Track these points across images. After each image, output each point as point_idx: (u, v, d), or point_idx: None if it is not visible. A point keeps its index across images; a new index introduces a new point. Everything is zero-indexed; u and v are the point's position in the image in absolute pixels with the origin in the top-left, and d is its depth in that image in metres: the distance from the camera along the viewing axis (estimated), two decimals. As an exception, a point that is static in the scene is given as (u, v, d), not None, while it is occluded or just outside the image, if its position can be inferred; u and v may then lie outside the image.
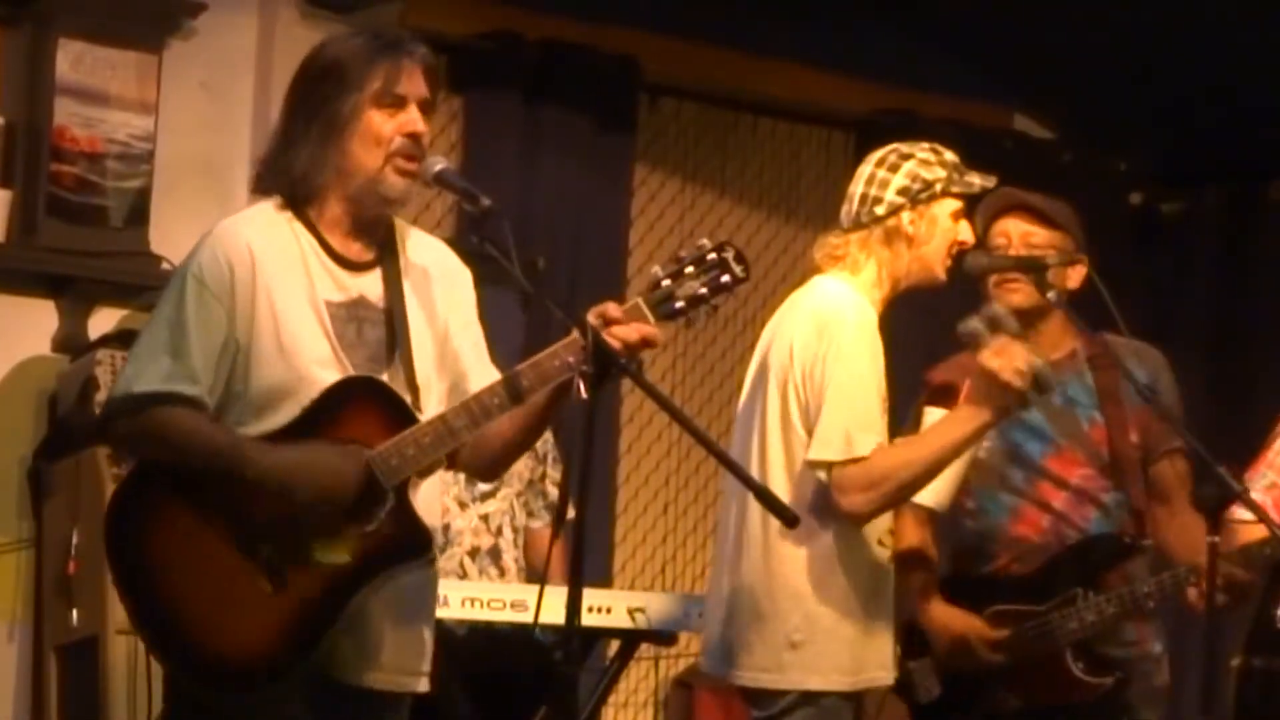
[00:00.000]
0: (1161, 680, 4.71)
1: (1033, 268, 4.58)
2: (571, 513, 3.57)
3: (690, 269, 3.61)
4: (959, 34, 7.36)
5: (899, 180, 4.40)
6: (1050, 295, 4.53)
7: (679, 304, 3.60)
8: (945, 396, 4.60)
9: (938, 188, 4.40)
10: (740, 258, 3.63)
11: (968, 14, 7.18)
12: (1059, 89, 7.66)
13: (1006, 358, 4.22)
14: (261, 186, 3.74)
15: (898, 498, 4.33)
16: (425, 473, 3.67)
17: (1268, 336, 7.73)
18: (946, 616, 4.59)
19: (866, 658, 4.36)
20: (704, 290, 3.60)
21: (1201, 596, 4.41)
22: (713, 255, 3.62)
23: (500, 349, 5.43)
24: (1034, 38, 7.22)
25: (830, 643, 4.31)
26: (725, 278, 3.61)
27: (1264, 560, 4.49)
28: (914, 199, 4.39)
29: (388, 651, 3.67)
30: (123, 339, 5.82)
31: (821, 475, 4.28)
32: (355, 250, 3.71)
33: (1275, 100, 7.00)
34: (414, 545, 3.65)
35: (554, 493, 5.71)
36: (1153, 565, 4.65)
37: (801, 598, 4.31)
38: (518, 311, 5.73)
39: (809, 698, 4.30)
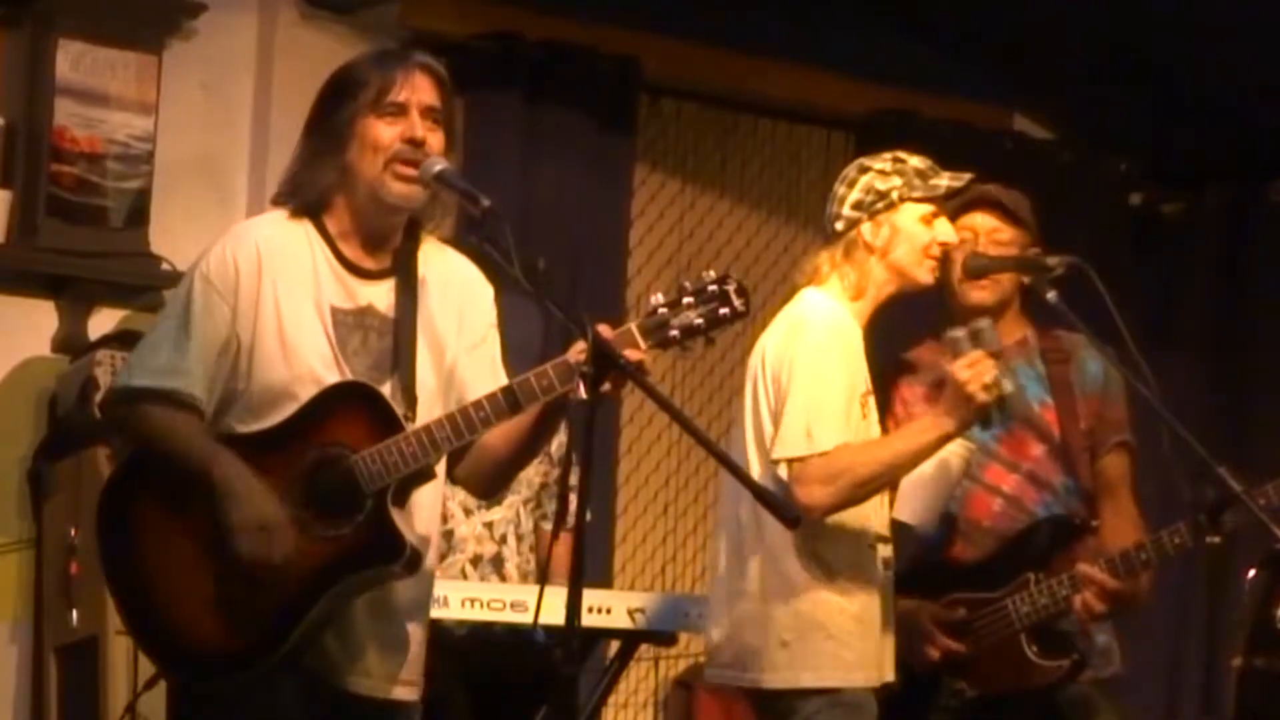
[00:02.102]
0: (1111, 671, 4.72)
1: (1034, 268, 4.61)
2: (574, 513, 3.58)
3: (689, 299, 3.62)
4: (959, 34, 7.35)
5: (854, 195, 4.49)
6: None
7: (673, 332, 3.61)
8: (905, 370, 4.73)
9: (894, 196, 4.47)
10: (742, 291, 3.63)
11: (968, 14, 7.18)
12: (1059, 89, 7.65)
13: (976, 372, 4.28)
14: (279, 201, 3.79)
15: (855, 494, 4.35)
16: (418, 482, 3.68)
17: (1268, 337, 7.73)
18: (905, 609, 4.59)
19: (865, 656, 4.38)
20: (700, 321, 3.61)
21: (1084, 606, 4.52)
22: (714, 287, 3.62)
23: (518, 354, 5.47)
24: (1034, 38, 7.21)
25: (829, 641, 4.33)
26: (724, 310, 3.61)
27: (1140, 565, 4.50)
28: (869, 211, 4.46)
29: (376, 658, 3.69)
30: (123, 339, 5.82)
31: (782, 473, 4.30)
32: (369, 260, 3.74)
33: (1275, 101, 7.00)
34: (385, 551, 3.65)
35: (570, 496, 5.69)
36: (1100, 549, 4.66)
37: (789, 596, 4.34)
38: (538, 317, 5.72)
39: (815, 696, 4.31)
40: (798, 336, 4.38)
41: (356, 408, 3.64)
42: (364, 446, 3.61)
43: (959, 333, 4.43)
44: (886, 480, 4.38)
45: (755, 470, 4.37)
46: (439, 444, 3.62)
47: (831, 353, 4.37)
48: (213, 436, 3.67)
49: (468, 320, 3.81)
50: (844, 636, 4.35)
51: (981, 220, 4.69)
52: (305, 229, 3.72)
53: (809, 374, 4.33)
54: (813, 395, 4.32)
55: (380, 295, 3.73)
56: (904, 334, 4.84)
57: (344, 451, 3.61)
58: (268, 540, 3.58)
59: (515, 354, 5.36)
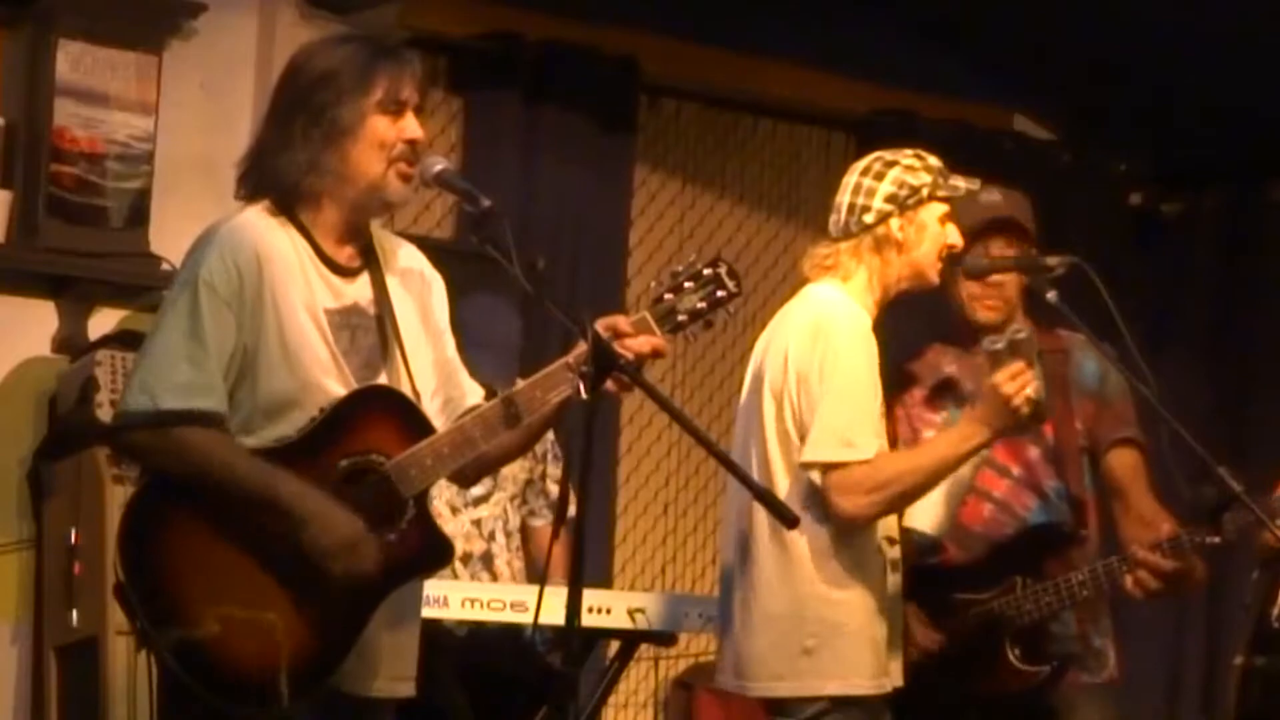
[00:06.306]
0: (1106, 675, 4.68)
1: (1033, 269, 4.60)
2: (573, 510, 3.58)
3: (689, 283, 3.71)
4: (959, 34, 7.36)
5: (886, 187, 4.42)
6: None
7: (681, 317, 3.70)
8: (906, 382, 4.68)
9: (924, 192, 4.42)
10: (733, 273, 3.74)
11: (968, 14, 7.18)
12: (1059, 89, 7.66)
13: (1019, 384, 4.27)
14: (249, 190, 3.72)
15: (897, 505, 4.34)
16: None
17: (1268, 336, 7.74)
18: None
19: (888, 660, 4.36)
20: (703, 304, 3.71)
21: (1137, 584, 4.45)
22: (708, 270, 3.72)
23: (498, 352, 5.48)
24: (1034, 38, 7.22)
25: (848, 646, 4.30)
26: (720, 293, 3.72)
27: (1192, 548, 4.47)
28: (901, 205, 4.41)
29: (385, 660, 3.66)
30: (123, 339, 5.82)
31: (814, 476, 4.28)
32: (345, 255, 3.70)
33: (1275, 101, 7.01)
34: (436, 556, 3.67)
35: (555, 491, 5.70)
36: (1094, 556, 4.65)
37: (812, 601, 4.30)
38: (515, 315, 5.74)
39: (836, 704, 4.29)
40: (825, 337, 4.31)
41: (383, 413, 3.61)
42: (395, 451, 3.58)
43: (999, 344, 4.41)
44: (926, 490, 4.35)
45: (784, 472, 4.34)
46: (475, 442, 3.61)
47: (861, 355, 4.32)
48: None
49: (432, 308, 3.80)
50: (862, 642, 4.31)
51: (996, 248, 4.67)
52: (286, 229, 3.66)
53: (843, 378, 4.28)
54: (849, 400, 4.27)
55: (361, 291, 3.70)
56: (899, 338, 4.82)
57: (378, 458, 3.58)
58: (360, 556, 3.53)
59: (496, 353, 5.41)
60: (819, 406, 4.27)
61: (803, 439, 4.30)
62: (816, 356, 4.30)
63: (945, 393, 4.70)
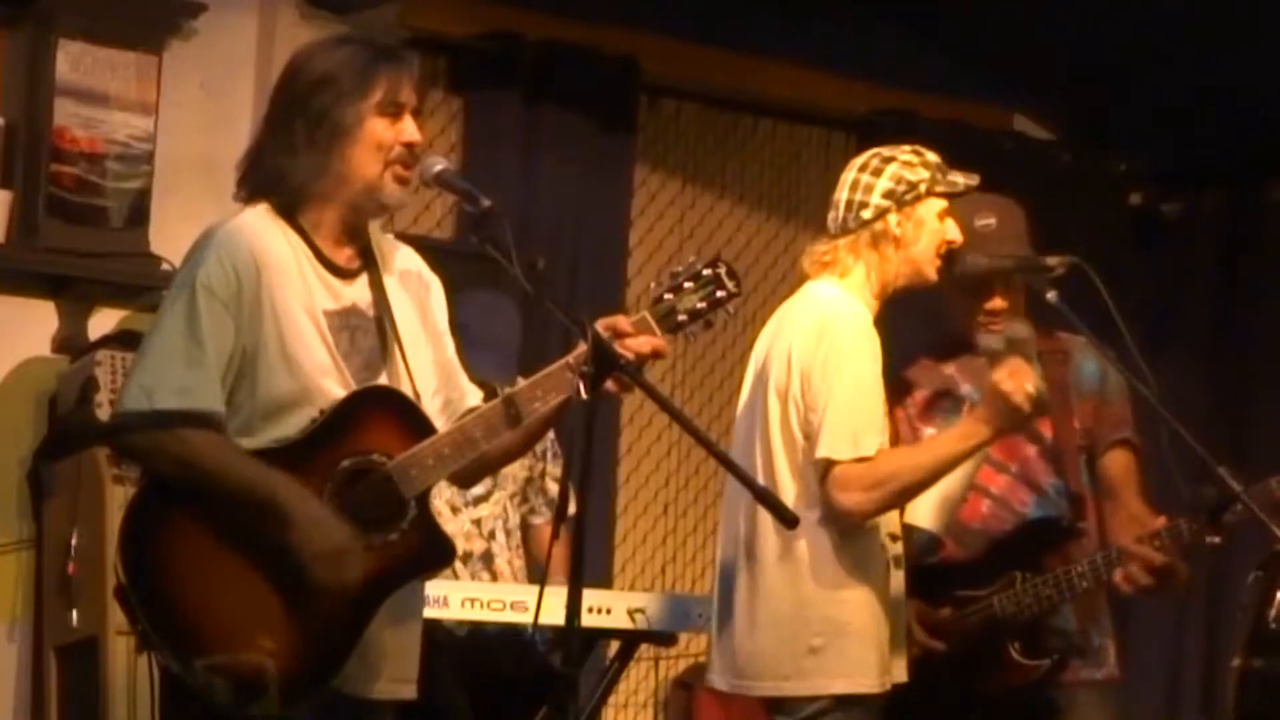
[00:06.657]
0: (1106, 673, 4.68)
1: (1033, 269, 4.60)
2: (573, 508, 3.58)
3: (688, 283, 3.72)
4: (959, 34, 7.36)
5: (883, 183, 4.42)
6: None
7: (681, 317, 3.71)
8: (902, 389, 4.67)
9: (922, 188, 4.43)
10: (732, 273, 3.75)
11: (968, 14, 7.18)
12: (1059, 89, 7.66)
13: (1019, 380, 4.27)
14: (248, 192, 3.72)
15: (896, 501, 4.35)
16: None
17: (1268, 337, 7.74)
18: None
19: (883, 658, 4.36)
20: (703, 304, 3.72)
21: (1126, 579, 4.47)
22: (707, 271, 3.74)
23: (498, 351, 5.49)
24: (1034, 38, 7.22)
25: (853, 645, 4.30)
26: (720, 293, 3.73)
27: (1191, 538, 4.47)
28: (899, 201, 4.42)
29: (387, 662, 3.66)
30: (123, 339, 5.82)
31: (819, 473, 4.28)
32: (344, 257, 3.70)
33: (1275, 101, 7.01)
34: (437, 556, 3.67)
35: (555, 489, 5.70)
36: (1093, 551, 4.65)
37: (817, 601, 4.30)
38: (515, 313, 5.74)
39: (839, 702, 4.29)
40: (830, 336, 4.32)
41: (384, 413, 3.61)
42: (397, 451, 3.58)
43: (996, 342, 4.43)
44: (926, 487, 4.36)
45: (788, 471, 4.34)
46: (476, 442, 3.61)
47: (865, 353, 4.33)
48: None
49: (430, 310, 3.80)
50: (866, 640, 4.32)
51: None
52: (285, 231, 3.66)
53: (848, 375, 4.28)
54: (854, 398, 4.28)
55: (360, 293, 3.70)
56: (897, 337, 4.82)
57: (379, 458, 3.58)
58: (343, 566, 3.52)
59: (496, 352, 5.41)
60: (828, 406, 4.28)
61: (808, 438, 4.31)
62: (821, 355, 4.31)
63: (945, 398, 4.71)
